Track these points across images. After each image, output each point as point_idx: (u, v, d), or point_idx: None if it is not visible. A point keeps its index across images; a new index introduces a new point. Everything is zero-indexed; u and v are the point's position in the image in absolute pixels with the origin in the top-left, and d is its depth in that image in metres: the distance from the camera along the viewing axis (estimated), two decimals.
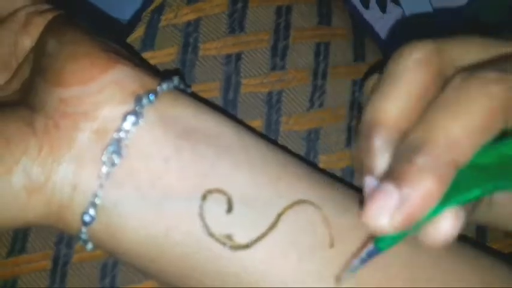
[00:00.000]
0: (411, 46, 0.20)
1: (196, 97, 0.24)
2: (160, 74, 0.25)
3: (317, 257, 0.21)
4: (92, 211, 0.21)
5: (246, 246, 0.21)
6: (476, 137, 0.18)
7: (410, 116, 0.20)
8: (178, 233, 0.21)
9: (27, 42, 0.24)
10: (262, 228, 0.21)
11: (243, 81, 0.29)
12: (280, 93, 0.30)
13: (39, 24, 0.24)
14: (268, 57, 0.30)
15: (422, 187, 0.17)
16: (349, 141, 0.30)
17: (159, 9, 0.29)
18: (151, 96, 0.22)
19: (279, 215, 0.21)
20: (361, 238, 0.22)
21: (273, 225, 0.21)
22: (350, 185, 0.27)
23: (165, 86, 0.22)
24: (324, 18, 0.31)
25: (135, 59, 0.23)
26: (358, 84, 0.31)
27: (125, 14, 0.34)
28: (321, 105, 0.30)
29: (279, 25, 0.30)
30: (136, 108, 0.21)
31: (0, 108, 0.22)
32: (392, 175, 0.18)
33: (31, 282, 0.27)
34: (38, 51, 0.23)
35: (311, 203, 0.22)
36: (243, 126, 0.24)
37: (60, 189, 0.21)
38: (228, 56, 0.29)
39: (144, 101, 0.21)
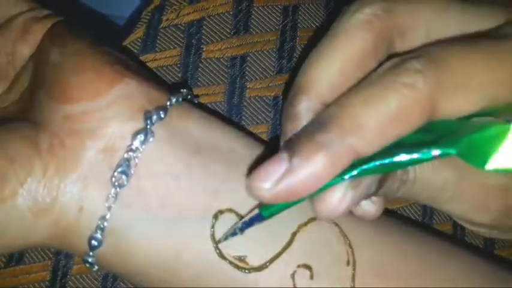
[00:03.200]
0: (358, 3, 0.18)
1: (203, 108, 0.23)
2: (168, 86, 0.24)
3: (334, 274, 0.21)
4: (99, 234, 0.20)
5: (260, 268, 0.20)
6: (385, 131, 0.16)
7: (339, 85, 0.18)
8: (189, 254, 0.20)
9: (25, 50, 0.22)
10: (276, 248, 0.20)
11: (249, 84, 0.28)
12: None
13: (38, 32, 0.22)
14: (275, 59, 0.29)
15: (312, 163, 0.16)
16: None
17: (160, 9, 0.28)
18: (162, 113, 0.20)
19: (294, 234, 0.21)
20: (377, 252, 0.21)
21: (287, 245, 0.20)
22: None
23: (174, 100, 0.21)
24: (333, 19, 0.30)
25: (139, 67, 0.22)
26: None
27: (123, 11, 0.32)
28: None
29: (285, 26, 0.29)
30: (147, 126, 0.20)
31: (2, 124, 0.21)
32: (291, 144, 0.17)
33: None
34: (38, 60, 0.22)
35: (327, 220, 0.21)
36: (253, 139, 0.23)
37: (67, 211, 0.20)
38: (233, 58, 0.28)
39: (155, 117, 0.20)
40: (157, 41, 0.28)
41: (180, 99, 0.22)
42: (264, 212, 0.19)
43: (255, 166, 0.18)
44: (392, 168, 0.17)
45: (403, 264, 0.21)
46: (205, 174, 0.20)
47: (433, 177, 0.20)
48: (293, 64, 0.29)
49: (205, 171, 0.21)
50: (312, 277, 0.20)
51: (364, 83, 0.18)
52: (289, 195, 0.17)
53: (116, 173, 0.20)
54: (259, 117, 0.28)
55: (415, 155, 0.17)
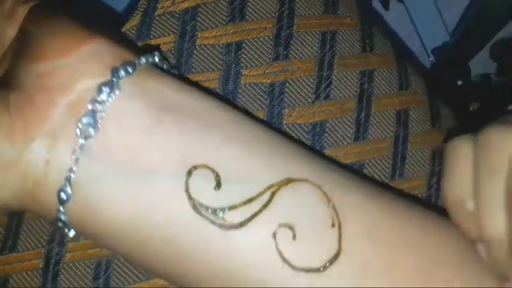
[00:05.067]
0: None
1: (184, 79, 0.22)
2: (141, 50, 0.23)
3: (318, 236, 0.20)
4: (68, 188, 0.20)
5: (238, 225, 0.19)
6: None
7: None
8: (162, 212, 0.20)
9: (10, 31, 0.23)
10: (256, 207, 0.20)
11: (244, 71, 0.28)
12: (283, 84, 0.28)
13: (21, 14, 0.23)
14: (271, 47, 0.28)
15: None
16: (357, 136, 0.29)
17: None
18: (129, 68, 0.20)
19: (274, 193, 0.20)
20: (365, 218, 0.20)
21: (267, 203, 0.19)
22: (354, 171, 0.25)
23: (143, 59, 0.21)
24: (330, 7, 0.30)
25: (116, 37, 0.22)
26: (367, 76, 0.30)
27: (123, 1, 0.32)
28: (327, 97, 0.29)
29: (282, 13, 0.29)
30: (113, 79, 0.20)
31: None
32: None
33: (23, 281, 0.26)
34: (19, 37, 0.22)
35: (308, 181, 0.20)
36: (227, 104, 0.22)
37: (34, 166, 0.20)
38: (228, 45, 0.28)
39: (121, 72, 0.20)
40: (152, 28, 0.28)
41: (151, 59, 0.22)
42: None
43: None
44: None
45: (395, 226, 0.21)
46: (177, 129, 0.20)
47: None
48: (290, 51, 0.28)
49: (177, 126, 0.20)
50: (294, 237, 0.19)
51: None
52: None
53: (81, 124, 0.20)
54: (255, 104, 0.28)
55: None
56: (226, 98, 0.28)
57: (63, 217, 0.20)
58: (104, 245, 0.22)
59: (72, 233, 0.21)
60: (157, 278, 0.26)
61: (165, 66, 0.23)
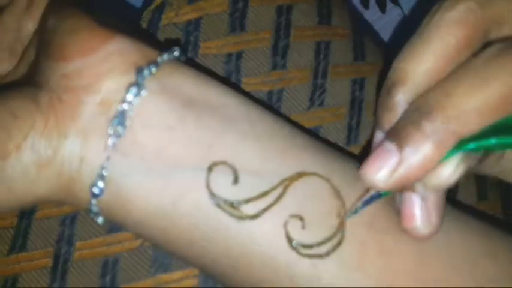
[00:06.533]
0: (449, 1, 0.20)
1: (199, 69, 0.24)
2: (161, 46, 0.25)
3: (325, 225, 0.21)
4: (100, 183, 0.21)
5: (253, 216, 0.21)
6: (486, 115, 0.18)
7: (434, 76, 0.20)
8: (185, 203, 0.21)
9: (30, 25, 0.24)
10: (269, 200, 0.21)
11: (244, 79, 0.29)
12: (280, 92, 0.30)
13: (39, 6, 0.24)
14: (269, 56, 0.30)
15: (422, 152, 0.19)
16: (348, 140, 0.30)
17: (160, 8, 0.29)
18: (153, 67, 0.21)
19: (286, 186, 0.22)
20: (374, 205, 0.22)
21: (279, 196, 0.21)
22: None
23: (165, 56, 0.22)
24: (324, 18, 0.31)
25: (138, 34, 0.23)
26: (358, 84, 0.31)
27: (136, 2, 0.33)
28: (321, 104, 0.30)
29: (279, 24, 0.30)
30: (138, 79, 0.21)
31: (6, 89, 0.22)
32: (398, 134, 0.19)
33: (32, 280, 0.27)
34: (40, 31, 0.23)
35: (318, 175, 0.22)
36: (247, 98, 0.24)
37: (69, 162, 0.21)
38: (229, 55, 0.29)
39: (146, 72, 0.21)
40: (157, 38, 0.29)
41: (172, 55, 0.23)
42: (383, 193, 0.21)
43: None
44: (487, 148, 0.19)
45: (396, 217, 0.22)
46: (199, 126, 0.21)
47: None
48: (287, 61, 0.30)
49: (199, 123, 0.21)
50: (303, 227, 0.21)
51: (465, 71, 0.19)
52: (402, 183, 0.19)
53: (112, 124, 0.21)
54: None
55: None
56: (242, 90, 0.29)
57: (94, 209, 0.22)
58: (130, 230, 0.24)
59: (100, 220, 0.23)
60: (162, 273, 0.27)
61: (182, 58, 0.24)
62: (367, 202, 0.22)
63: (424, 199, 0.21)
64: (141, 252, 0.28)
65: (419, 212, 0.21)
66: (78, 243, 0.28)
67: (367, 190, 0.22)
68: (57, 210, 0.28)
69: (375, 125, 0.22)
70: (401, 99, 0.20)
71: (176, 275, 0.28)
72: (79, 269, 0.27)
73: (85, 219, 0.28)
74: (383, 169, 0.20)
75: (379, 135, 0.21)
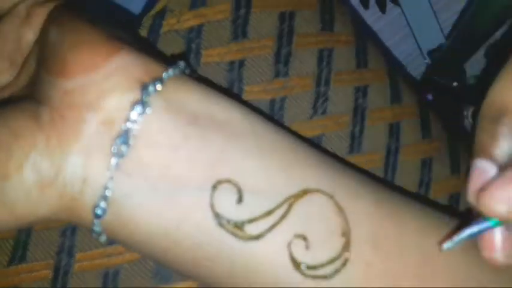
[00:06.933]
0: None
1: (203, 81, 0.23)
2: (166, 59, 0.24)
3: (329, 245, 0.21)
4: (103, 204, 0.21)
5: (257, 236, 0.21)
6: None
7: None
8: (189, 224, 0.21)
9: (30, 35, 0.23)
10: (274, 219, 0.21)
11: (246, 88, 0.29)
12: (283, 100, 0.29)
13: (40, 16, 0.23)
14: (272, 64, 0.29)
15: None
16: (351, 148, 0.30)
17: (161, 14, 0.29)
18: (158, 83, 0.21)
19: (290, 205, 0.21)
20: (376, 224, 0.22)
21: (283, 216, 0.21)
22: (363, 171, 0.27)
23: (170, 71, 0.22)
24: (327, 25, 0.31)
25: (139, 44, 0.23)
26: (361, 91, 0.31)
27: (133, 7, 0.33)
28: (323, 112, 0.30)
29: (282, 31, 0.30)
30: (143, 96, 0.20)
31: (6, 104, 0.21)
32: None
33: None
34: (41, 42, 0.23)
35: (321, 191, 0.22)
36: (251, 111, 0.23)
37: (71, 183, 0.21)
38: (231, 63, 0.29)
39: (151, 88, 0.21)
40: (158, 45, 0.28)
41: (177, 70, 0.22)
42: (493, 221, 0.20)
43: None
44: None
45: (400, 235, 0.22)
46: (203, 144, 0.21)
47: None
48: (289, 68, 0.30)
49: (203, 141, 0.21)
50: (307, 247, 0.21)
51: None
52: None
53: (116, 144, 0.20)
54: None
55: None
56: (245, 101, 0.28)
57: (97, 229, 0.21)
58: (133, 249, 0.23)
59: (103, 239, 0.22)
60: (164, 285, 0.27)
61: (187, 71, 0.23)
62: (480, 231, 0.21)
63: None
64: (142, 264, 0.27)
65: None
66: (78, 255, 0.27)
67: (469, 218, 0.21)
68: (57, 221, 0.27)
69: (475, 152, 0.21)
70: (510, 126, 0.20)
71: (177, 286, 0.27)
72: (79, 280, 0.27)
73: (86, 230, 0.27)
74: (505, 200, 0.19)
75: (483, 165, 0.20)
